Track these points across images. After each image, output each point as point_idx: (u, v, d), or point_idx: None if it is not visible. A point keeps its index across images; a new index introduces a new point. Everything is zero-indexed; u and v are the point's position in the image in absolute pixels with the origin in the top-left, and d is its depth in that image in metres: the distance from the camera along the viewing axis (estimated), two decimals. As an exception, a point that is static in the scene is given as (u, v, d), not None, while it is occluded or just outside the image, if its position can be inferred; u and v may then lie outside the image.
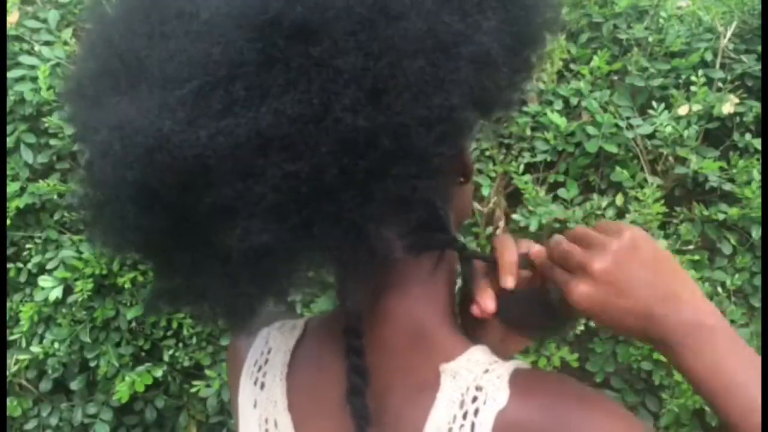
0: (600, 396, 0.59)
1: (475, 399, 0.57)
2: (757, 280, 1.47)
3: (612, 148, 1.49)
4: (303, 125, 0.49)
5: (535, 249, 0.68)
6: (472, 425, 0.56)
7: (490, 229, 1.57)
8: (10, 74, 1.57)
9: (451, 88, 0.52)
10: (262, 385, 0.70)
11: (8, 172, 1.60)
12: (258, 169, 0.50)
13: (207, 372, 1.60)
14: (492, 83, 0.56)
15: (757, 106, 1.49)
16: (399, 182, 0.52)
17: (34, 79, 1.56)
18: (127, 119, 0.51)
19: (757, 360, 0.58)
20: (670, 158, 1.51)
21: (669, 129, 1.47)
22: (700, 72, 1.50)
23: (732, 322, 1.45)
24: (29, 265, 1.64)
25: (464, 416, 0.57)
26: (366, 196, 0.51)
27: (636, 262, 0.60)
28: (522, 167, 1.53)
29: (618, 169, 1.50)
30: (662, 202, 1.45)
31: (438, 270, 0.65)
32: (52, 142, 1.61)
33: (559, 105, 1.54)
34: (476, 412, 0.57)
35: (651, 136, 1.52)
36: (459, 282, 0.71)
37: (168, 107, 0.50)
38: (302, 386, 0.68)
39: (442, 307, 0.65)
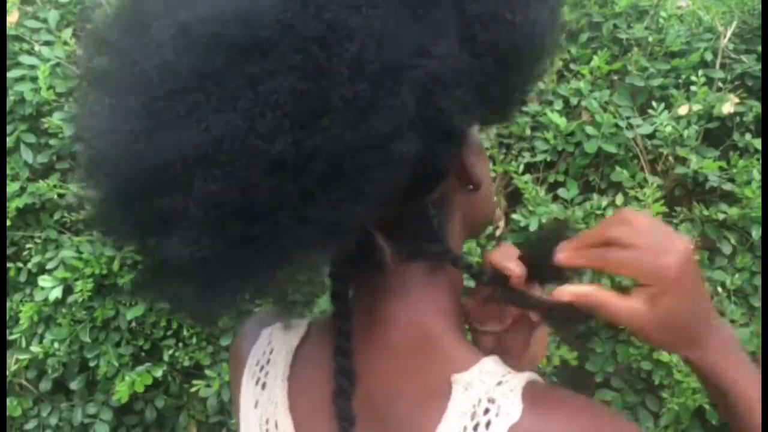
0: (615, 415, 0.59)
1: (487, 411, 0.56)
2: (757, 280, 1.48)
3: (612, 148, 1.49)
4: (228, 146, 0.49)
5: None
6: None
7: (490, 229, 1.57)
8: (10, 74, 1.57)
9: (388, 114, 0.50)
10: (264, 385, 0.69)
11: (8, 172, 1.60)
12: (183, 186, 0.51)
13: (207, 372, 1.60)
14: (446, 106, 0.53)
15: (757, 106, 1.49)
16: (332, 207, 0.51)
17: (34, 79, 1.57)
18: (98, 124, 0.55)
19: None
20: (670, 158, 1.51)
21: (669, 129, 1.47)
22: (700, 72, 1.50)
23: (732, 322, 1.45)
24: (29, 265, 1.64)
25: (475, 428, 0.56)
26: (301, 218, 0.51)
27: (691, 284, 0.60)
28: (522, 167, 1.53)
29: (618, 169, 1.50)
30: (662, 202, 1.45)
31: (436, 276, 0.64)
32: (52, 142, 1.61)
33: (559, 105, 1.54)
34: (488, 424, 0.55)
35: (651, 136, 1.52)
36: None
37: (121, 118, 0.53)
38: (304, 387, 0.67)
39: (447, 315, 0.64)
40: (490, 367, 0.60)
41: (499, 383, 0.57)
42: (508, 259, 0.66)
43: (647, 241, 0.60)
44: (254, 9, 0.50)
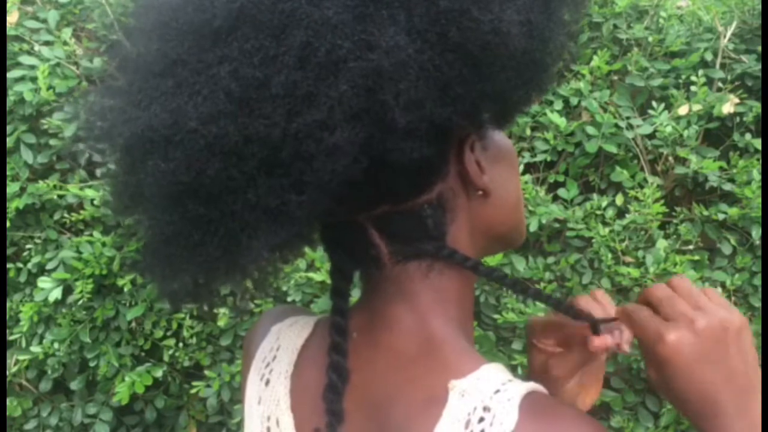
0: None
1: (481, 420, 0.54)
2: (757, 280, 1.47)
3: (612, 148, 1.50)
4: (179, 128, 0.51)
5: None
6: None
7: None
8: (10, 74, 1.57)
9: (325, 105, 0.50)
10: (267, 382, 0.70)
11: (8, 172, 1.60)
12: (140, 165, 0.54)
13: (207, 372, 1.60)
14: (388, 100, 0.52)
15: (757, 106, 1.49)
16: (274, 194, 0.52)
17: (34, 79, 1.57)
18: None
19: None
20: (670, 158, 1.51)
21: (669, 129, 1.47)
22: (700, 72, 1.50)
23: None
24: (29, 265, 1.64)
25: None
26: (246, 202, 0.52)
27: (735, 346, 0.58)
28: (522, 167, 1.53)
29: (618, 169, 1.50)
30: (662, 202, 1.45)
31: (438, 278, 0.63)
32: (52, 142, 1.61)
33: (559, 105, 1.54)
34: None
35: (651, 136, 1.52)
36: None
37: (119, 94, 0.58)
38: (305, 386, 0.67)
39: (450, 319, 0.63)
40: (489, 374, 0.58)
41: (497, 391, 0.56)
42: (596, 305, 0.70)
43: (673, 312, 0.60)
44: None
